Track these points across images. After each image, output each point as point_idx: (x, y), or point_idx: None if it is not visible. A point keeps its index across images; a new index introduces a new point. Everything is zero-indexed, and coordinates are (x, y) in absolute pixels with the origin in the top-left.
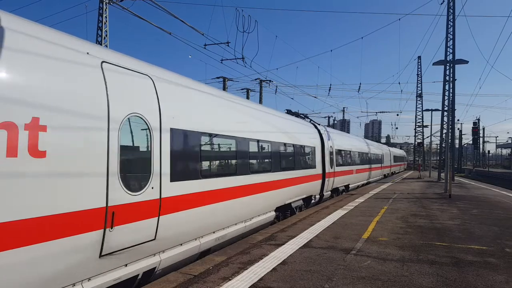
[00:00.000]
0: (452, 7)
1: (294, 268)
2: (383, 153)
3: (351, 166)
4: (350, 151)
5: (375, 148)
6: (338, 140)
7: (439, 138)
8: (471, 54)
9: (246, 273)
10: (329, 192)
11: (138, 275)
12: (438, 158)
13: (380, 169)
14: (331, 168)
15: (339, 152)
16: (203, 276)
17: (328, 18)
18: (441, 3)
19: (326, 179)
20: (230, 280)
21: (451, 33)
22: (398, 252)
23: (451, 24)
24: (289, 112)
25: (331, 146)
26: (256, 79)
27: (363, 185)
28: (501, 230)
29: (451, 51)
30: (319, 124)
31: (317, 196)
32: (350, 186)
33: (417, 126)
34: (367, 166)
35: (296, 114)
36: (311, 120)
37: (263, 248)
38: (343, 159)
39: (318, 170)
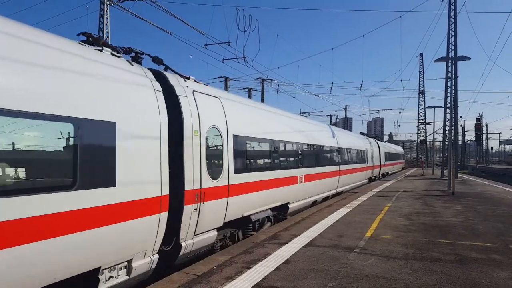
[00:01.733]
0: (453, 4)
1: (298, 267)
2: (367, 148)
3: (290, 170)
4: (288, 143)
5: (351, 140)
6: (247, 116)
7: (442, 135)
8: (473, 51)
9: (250, 273)
10: (214, 233)
11: None
12: (441, 155)
13: (362, 170)
14: (217, 177)
15: (247, 142)
16: (206, 276)
17: (329, 16)
18: (442, 0)
19: (194, 207)
20: (234, 279)
21: (453, 29)
22: (402, 249)
23: (453, 20)
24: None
25: (214, 127)
26: (257, 78)
27: (324, 199)
28: (505, 227)
29: (453, 47)
30: (186, 79)
31: (138, 264)
32: (292, 206)
33: (419, 124)
34: (332, 168)
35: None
36: (167, 68)
37: (266, 247)
38: (263, 157)
39: (139, 187)
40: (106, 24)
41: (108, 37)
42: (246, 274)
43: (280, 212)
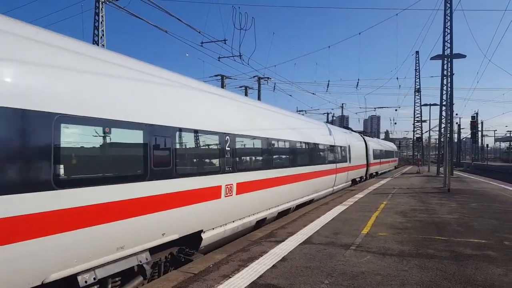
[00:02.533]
0: (449, 1)
1: (294, 265)
2: (350, 144)
3: (202, 178)
4: (189, 131)
5: (319, 133)
6: (75, 71)
7: (437, 132)
8: (469, 49)
9: (246, 271)
10: None
11: None
12: (437, 152)
13: (343, 171)
14: None
15: (62, 125)
16: (203, 274)
17: (325, 15)
18: None
19: None
20: (230, 277)
21: (449, 27)
22: (398, 246)
23: (449, 18)
24: None
25: None
26: (254, 77)
27: (282, 214)
28: (499, 223)
29: (448, 45)
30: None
31: None
32: (209, 235)
33: (415, 121)
34: (290, 171)
35: None
36: None
37: (263, 245)
38: (122, 157)
39: None
40: (101, 22)
41: (103, 35)
42: (243, 272)
43: (184, 248)
